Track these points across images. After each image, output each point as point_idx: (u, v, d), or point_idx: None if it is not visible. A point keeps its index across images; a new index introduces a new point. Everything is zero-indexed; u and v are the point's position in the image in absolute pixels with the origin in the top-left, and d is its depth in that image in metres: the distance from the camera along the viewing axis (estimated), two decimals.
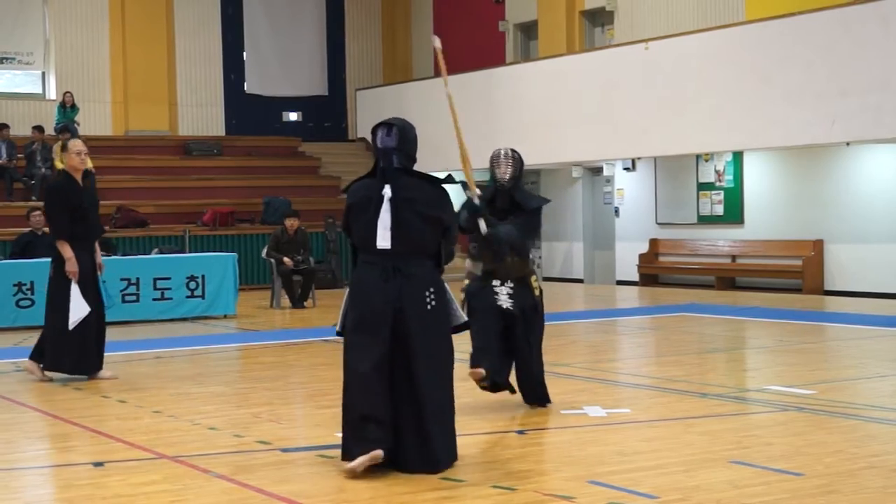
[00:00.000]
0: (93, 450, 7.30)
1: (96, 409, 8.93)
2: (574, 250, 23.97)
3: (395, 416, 6.39)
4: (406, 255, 6.51)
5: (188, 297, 16.32)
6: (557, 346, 12.65)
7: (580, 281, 23.61)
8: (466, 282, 8.47)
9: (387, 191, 6.54)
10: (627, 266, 22.58)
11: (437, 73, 7.91)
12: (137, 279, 16.00)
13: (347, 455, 6.40)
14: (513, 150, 8.46)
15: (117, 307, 15.69)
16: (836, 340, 13.14)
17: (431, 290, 6.55)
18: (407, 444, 6.39)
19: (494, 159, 8.39)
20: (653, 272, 22.10)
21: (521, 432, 7.58)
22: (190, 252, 19.79)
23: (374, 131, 6.72)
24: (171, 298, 16.21)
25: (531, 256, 8.53)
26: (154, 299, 16.11)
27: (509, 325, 8.26)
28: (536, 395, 8.39)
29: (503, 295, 8.26)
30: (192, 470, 6.60)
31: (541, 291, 8.44)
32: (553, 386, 9.57)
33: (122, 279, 15.87)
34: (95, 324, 10.43)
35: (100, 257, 10.78)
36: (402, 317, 6.43)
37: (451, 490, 6.06)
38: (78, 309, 10.26)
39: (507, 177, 8.28)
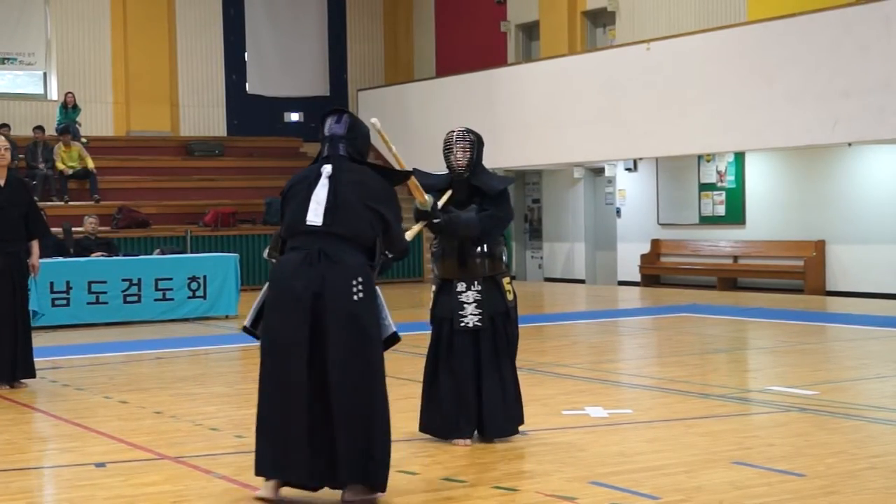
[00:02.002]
0: (94, 450, 7.30)
1: (98, 409, 8.93)
2: (576, 251, 23.96)
3: (309, 422, 5.63)
4: (336, 238, 5.73)
5: (190, 297, 16.33)
6: (559, 347, 12.66)
7: (582, 281, 23.61)
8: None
9: (326, 167, 5.90)
10: (629, 266, 22.58)
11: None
12: (139, 280, 16.02)
13: (262, 472, 5.75)
14: (468, 131, 7.41)
15: (117, 308, 15.81)
16: (837, 341, 13.14)
17: (360, 279, 5.70)
18: (317, 453, 5.65)
19: (447, 143, 7.38)
20: (654, 273, 22.10)
21: (522, 433, 7.57)
22: (191, 253, 19.80)
23: (322, 119, 6.11)
24: (172, 299, 16.22)
25: (502, 255, 7.44)
26: (155, 300, 16.12)
27: (474, 345, 7.25)
28: (499, 423, 7.26)
29: (469, 305, 7.24)
30: (194, 471, 6.61)
31: (514, 296, 7.42)
32: (554, 386, 9.59)
33: (123, 280, 15.90)
34: (12, 330, 9.98)
35: (36, 259, 10.23)
36: (322, 304, 5.62)
37: (452, 490, 6.06)
38: None
39: (464, 164, 7.32)
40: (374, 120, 6.44)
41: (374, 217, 5.89)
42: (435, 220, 7.18)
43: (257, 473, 5.75)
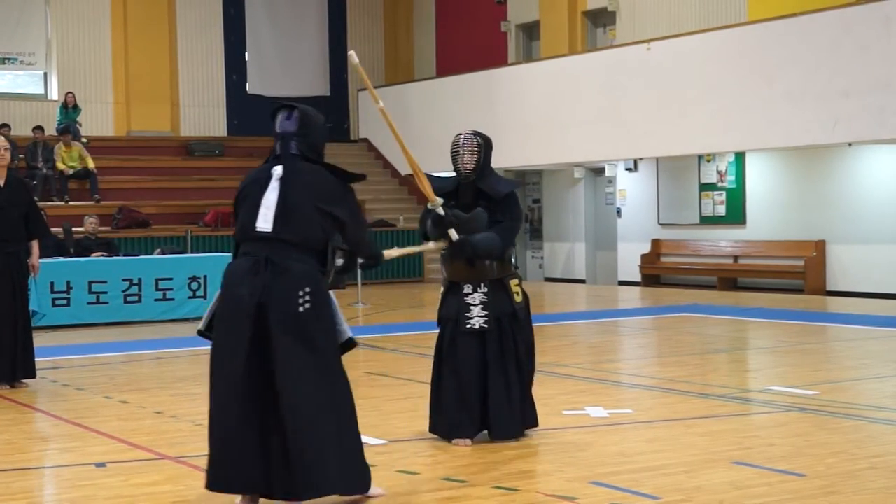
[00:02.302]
0: (95, 450, 7.30)
1: (98, 409, 8.94)
2: (576, 251, 23.97)
3: (261, 434, 5.43)
4: (286, 244, 5.49)
5: (190, 297, 16.33)
6: (559, 347, 12.66)
7: (582, 281, 23.60)
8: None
9: (277, 169, 5.66)
10: (629, 266, 22.58)
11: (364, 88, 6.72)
12: (139, 280, 16.02)
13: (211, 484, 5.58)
14: (476, 134, 7.37)
15: (118, 308, 15.81)
16: (837, 341, 13.14)
17: (307, 289, 5.44)
18: (272, 465, 5.45)
19: (454, 147, 7.35)
20: (655, 273, 22.10)
21: (527, 434, 7.56)
22: (192, 252, 19.80)
23: (273, 115, 5.86)
24: (172, 299, 16.22)
25: (511, 258, 7.43)
26: (156, 300, 16.13)
27: (479, 347, 7.23)
28: (504, 425, 7.25)
29: (475, 307, 7.22)
30: (195, 471, 6.60)
31: (524, 297, 7.41)
32: (555, 386, 9.59)
33: (123, 279, 15.91)
34: (11, 330, 9.97)
35: (35, 259, 10.22)
36: (265, 314, 5.40)
37: (452, 490, 6.06)
38: None
39: (471, 167, 7.27)
40: (351, 53, 6.60)
41: (326, 220, 5.61)
42: (453, 241, 7.09)
43: (208, 488, 5.58)
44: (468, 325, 7.22)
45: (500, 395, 7.21)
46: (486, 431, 7.31)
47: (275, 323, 5.40)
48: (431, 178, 7.27)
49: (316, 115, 5.92)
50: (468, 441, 7.21)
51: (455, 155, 7.37)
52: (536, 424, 7.44)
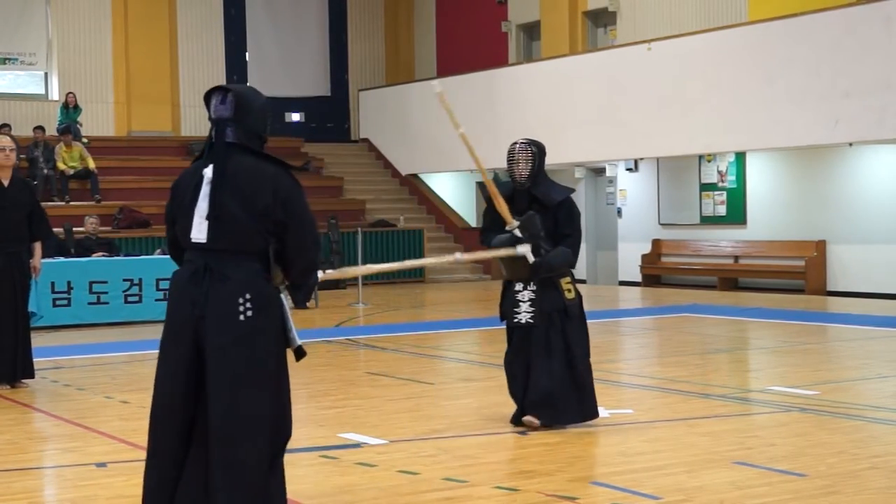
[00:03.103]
0: (96, 450, 7.31)
1: (99, 409, 8.94)
2: None
3: (185, 454, 5.10)
4: (224, 252, 5.09)
5: None
6: None
7: (583, 281, 23.59)
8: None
9: (207, 171, 5.18)
10: (630, 266, 22.58)
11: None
12: (140, 280, 16.02)
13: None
14: (530, 143, 7.77)
15: (118, 308, 15.80)
16: (838, 341, 13.14)
17: (248, 296, 5.03)
18: (192, 484, 5.07)
19: (510, 155, 7.76)
20: (655, 273, 22.10)
21: (523, 433, 7.58)
22: None
23: (206, 99, 5.43)
24: None
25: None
26: (157, 300, 16.09)
27: (527, 339, 7.69)
28: (547, 411, 7.60)
29: (524, 303, 7.66)
30: None
31: (578, 295, 7.85)
32: None
33: (124, 280, 15.90)
34: (13, 330, 9.95)
35: (38, 261, 10.23)
36: (203, 326, 5.03)
37: (453, 490, 6.07)
38: None
39: (526, 175, 7.70)
40: (435, 83, 6.75)
41: (262, 221, 5.09)
42: (531, 263, 7.57)
43: None
44: (515, 320, 7.70)
45: (541, 384, 7.58)
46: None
47: (212, 333, 5.02)
48: (498, 184, 7.94)
49: (254, 95, 5.35)
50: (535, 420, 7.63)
51: (511, 163, 7.77)
52: (595, 416, 7.75)
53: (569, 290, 7.78)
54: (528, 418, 7.62)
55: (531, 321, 7.65)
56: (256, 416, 5.04)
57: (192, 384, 5.06)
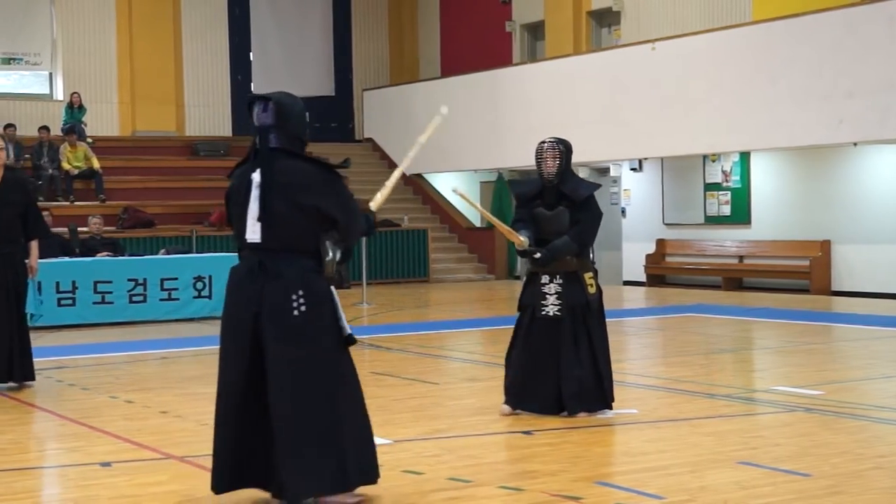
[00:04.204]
0: (100, 450, 7.30)
1: (104, 409, 8.94)
2: None
3: (251, 437, 5.57)
4: (277, 251, 5.57)
5: (195, 297, 16.34)
6: None
7: None
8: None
9: (255, 176, 5.62)
10: (634, 266, 22.57)
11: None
12: (144, 280, 16.02)
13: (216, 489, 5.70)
14: (558, 142, 8.03)
15: (123, 307, 15.81)
16: (843, 341, 13.12)
17: (300, 293, 5.50)
18: (260, 464, 5.59)
19: (539, 153, 8.01)
20: (660, 273, 22.09)
21: (527, 433, 7.58)
22: (197, 252, 19.80)
23: (249, 107, 5.78)
24: (178, 299, 16.23)
25: (590, 254, 8.17)
26: (161, 300, 16.13)
27: (554, 332, 7.95)
28: (582, 401, 7.93)
29: (551, 296, 7.94)
30: (200, 470, 6.60)
31: (599, 290, 8.09)
32: None
33: (128, 279, 15.91)
34: (7, 331, 9.79)
35: (34, 260, 10.03)
36: (260, 322, 5.50)
37: (458, 490, 6.06)
38: None
39: (554, 172, 7.95)
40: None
41: (312, 218, 5.58)
42: (536, 257, 7.93)
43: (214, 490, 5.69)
44: (543, 312, 7.95)
45: (572, 376, 7.87)
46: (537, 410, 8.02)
47: (269, 329, 5.47)
48: (519, 183, 8.39)
49: (293, 102, 5.75)
50: (512, 410, 8.00)
51: (539, 161, 8.01)
52: (612, 399, 8.09)
53: (591, 285, 8.02)
54: (581, 415, 7.93)
55: (558, 314, 7.91)
56: (314, 399, 5.47)
57: (253, 373, 5.49)
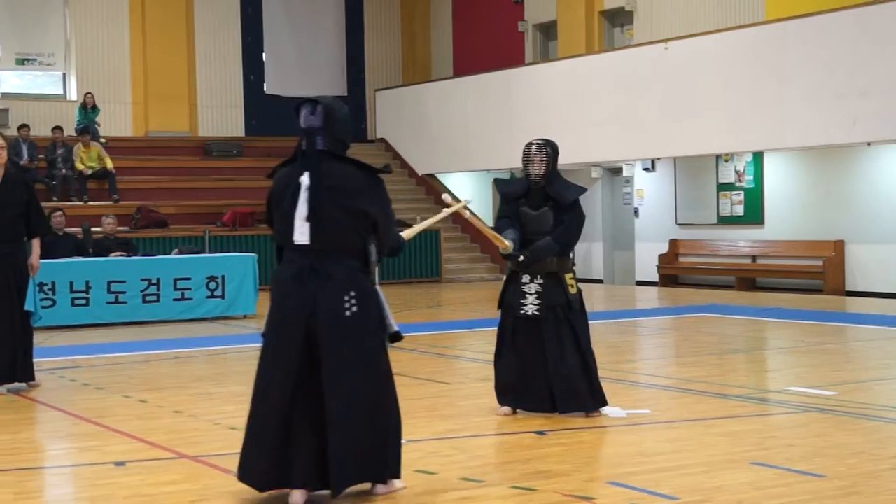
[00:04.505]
0: (114, 449, 7.32)
1: (117, 408, 8.96)
2: (593, 251, 23.94)
3: (300, 434, 5.70)
4: (326, 252, 5.73)
5: (208, 297, 16.36)
6: None
7: (600, 281, 23.58)
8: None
9: (304, 178, 5.77)
10: (647, 266, 22.54)
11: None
12: (158, 279, 16.05)
13: (251, 479, 5.80)
14: (545, 143, 8.10)
15: (136, 307, 15.84)
16: (857, 341, 13.09)
17: (352, 293, 5.72)
18: (305, 459, 5.70)
19: (526, 154, 8.06)
20: (673, 273, 22.06)
21: (540, 433, 7.57)
22: (210, 252, 19.83)
23: (296, 110, 5.97)
24: (191, 299, 16.25)
25: (570, 256, 8.21)
26: (174, 299, 16.16)
27: (535, 332, 8.00)
28: (572, 399, 7.97)
29: (530, 296, 7.99)
30: (213, 470, 6.62)
31: (579, 291, 8.14)
32: None
33: (142, 279, 15.94)
34: (9, 331, 9.71)
35: (35, 259, 9.96)
36: (315, 323, 5.67)
37: (470, 490, 6.06)
38: None
39: (541, 174, 8.00)
40: (445, 196, 7.41)
41: (359, 220, 5.77)
42: (519, 261, 7.98)
43: (243, 481, 5.81)
44: (521, 311, 8.02)
45: (560, 375, 7.92)
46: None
47: (323, 329, 5.65)
48: (507, 183, 8.42)
49: (340, 106, 5.94)
50: (507, 410, 8.08)
51: (527, 162, 8.06)
52: (605, 403, 8.09)
53: (572, 286, 8.07)
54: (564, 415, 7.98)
55: (537, 313, 7.96)
56: (367, 400, 5.69)
57: (303, 373, 5.65)
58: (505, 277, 8.25)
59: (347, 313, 5.70)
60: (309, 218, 5.70)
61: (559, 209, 8.03)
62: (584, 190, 8.31)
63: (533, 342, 7.99)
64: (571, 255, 8.21)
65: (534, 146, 8.04)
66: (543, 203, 8.04)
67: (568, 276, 8.07)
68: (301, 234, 5.73)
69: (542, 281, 7.99)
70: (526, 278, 8.03)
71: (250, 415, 5.84)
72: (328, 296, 5.68)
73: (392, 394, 5.92)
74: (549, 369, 7.94)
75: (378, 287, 5.92)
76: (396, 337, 5.96)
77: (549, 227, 8.01)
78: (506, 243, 7.92)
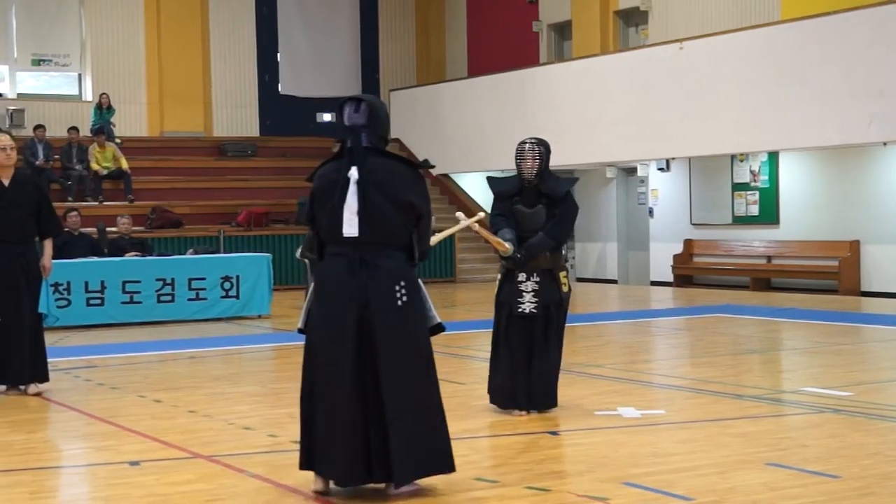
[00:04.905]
0: (129, 449, 7.34)
1: (132, 408, 8.98)
2: (608, 251, 23.91)
3: (363, 423, 5.80)
4: (375, 245, 5.89)
5: (223, 297, 16.39)
6: (592, 347, 12.64)
7: (614, 282, 23.55)
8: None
9: (353, 172, 5.91)
10: (662, 267, 22.51)
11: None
12: (172, 279, 16.08)
13: (318, 467, 5.95)
14: (538, 143, 8.16)
15: (151, 307, 15.87)
16: (872, 342, 13.05)
17: (402, 283, 5.92)
18: (373, 449, 5.80)
19: (520, 153, 8.15)
20: (687, 273, 22.02)
21: (554, 433, 7.57)
22: (224, 252, 19.86)
23: (340, 108, 6.09)
24: (205, 299, 16.28)
25: (563, 252, 8.37)
26: (189, 299, 16.19)
27: (528, 329, 8.13)
28: (545, 398, 8.19)
29: (528, 294, 8.07)
30: (227, 469, 6.63)
31: (569, 289, 8.26)
32: (587, 387, 9.58)
33: (157, 279, 15.97)
34: (18, 333, 9.57)
35: (47, 260, 9.79)
36: (368, 313, 5.83)
37: (484, 491, 6.06)
38: None
39: (534, 173, 8.09)
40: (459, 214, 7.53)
41: (406, 213, 5.96)
42: (517, 259, 8.05)
43: (326, 476, 5.93)
44: (519, 309, 8.09)
45: (543, 373, 8.10)
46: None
47: (377, 319, 5.82)
48: (500, 181, 8.39)
49: (381, 105, 6.16)
50: (523, 413, 8.11)
51: (520, 161, 8.14)
52: (556, 405, 8.31)
53: (564, 284, 8.18)
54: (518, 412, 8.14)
55: (534, 311, 8.07)
56: (417, 388, 5.89)
57: (357, 363, 5.79)
58: (500, 276, 8.31)
59: (399, 303, 5.89)
60: (359, 211, 5.85)
61: (552, 205, 8.13)
62: (575, 181, 8.58)
63: (524, 339, 8.11)
64: (565, 253, 8.33)
65: (527, 145, 8.13)
66: (537, 201, 8.14)
67: (562, 275, 8.19)
68: (350, 226, 5.87)
69: (538, 279, 8.09)
70: (522, 276, 8.11)
71: (309, 407, 5.92)
72: (380, 286, 5.86)
73: (437, 382, 6.11)
74: (531, 368, 8.10)
75: (421, 282, 6.12)
76: (439, 328, 6.20)
77: (543, 224, 8.12)
78: (506, 247, 7.99)
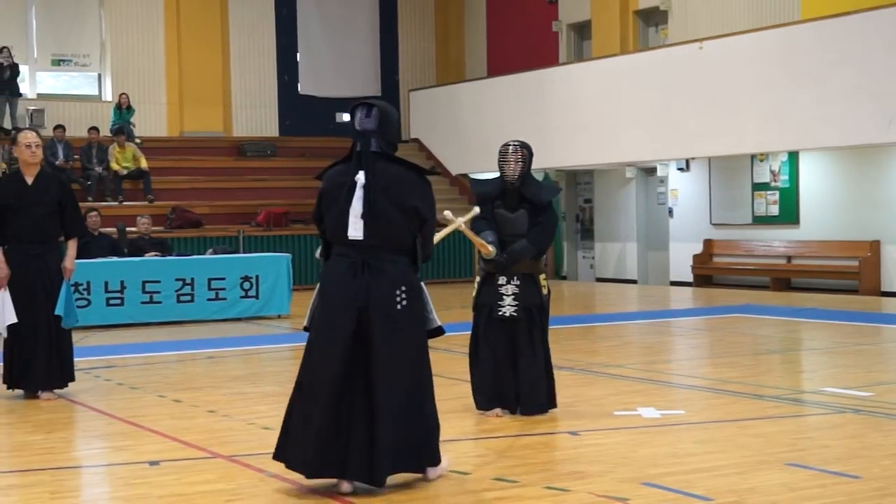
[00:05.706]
0: (148, 449, 7.36)
1: (152, 408, 9.00)
2: (628, 251, 23.88)
3: (348, 423, 5.87)
4: (379, 248, 5.99)
5: (242, 297, 16.43)
6: (611, 347, 12.62)
7: (634, 282, 23.51)
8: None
9: (360, 177, 6.01)
10: (681, 267, 22.46)
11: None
12: (192, 279, 16.13)
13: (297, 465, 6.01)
14: (522, 145, 8.20)
15: (171, 307, 15.91)
16: (893, 342, 13.00)
17: (403, 288, 6.01)
18: (352, 449, 5.86)
19: (502, 154, 8.16)
20: (707, 273, 21.97)
21: (573, 433, 7.56)
22: (244, 252, 19.91)
23: (351, 112, 6.17)
24: (225, 298, 16.32)
25: (542, 256, 8.32)
26: (208, 299, 16.23)
27: (509, 332, 8.12)
28: (535, 401, 8.12)
29: (508, 297, 8.07)
30: (247, 469, 6.64)
31: (548, 291, 8.28)
32: (607, 387, 9.57)
33: (176, 279, 16.02)
34: (34, 336, 9.40)
35: (70, 261, 9.54)
36: (367, 316, 5.93)
37: (504, 490, 6.06)
38: (5, 318, 9.25)
39: (516, 175, 8.10)
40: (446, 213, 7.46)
41: (410, 218, 6.05)
42: (500, 261, 8.03)
43: (290, 467, 6.05)
44: (500, 312, 8.10)
45: (530, 375, 8.08)
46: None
47: (375, 322, 5.91)
48: (482, 183, 8.49)
49: (392, 111, 6.22)
50: (499, 412, 8.13)
51: (503, 162, 8.16)
52: (555, 406, 8.26)
53: (544, 286, 8.19)
54: (497, 410, 8.15)
55: (515, 314, 8.07)
56: (414, 381, 5.99)
57: (352, 364, 5.88)
58: (479, 279, 8.31)
59: (399, 307, 5.97)
60: (364, 214, 5.94)
61: (534, 211, 8.13)
62: (558, 190, 8.54)
63: (505, 342, 8.11)
64: (543, 257, 8.34)
65: (510, 147, 8.15)
66: (519, 205, 8.14)
67: (541, 277, 8.20)
68: (355, 229, 5.96)
69: (518, 282, 8.08)
70: (502, 279, 8.10)
71: (295, 401, 6.07)
72: (381, 289, 5.95)
73: (433, 385, 6.16)
74: (518, 370, 8.08)
75: (423, 285, 6.21)
76: (438, 332, 6.26)
77: (524, 228, 8.11)
78: (490, 249, 7.97)
